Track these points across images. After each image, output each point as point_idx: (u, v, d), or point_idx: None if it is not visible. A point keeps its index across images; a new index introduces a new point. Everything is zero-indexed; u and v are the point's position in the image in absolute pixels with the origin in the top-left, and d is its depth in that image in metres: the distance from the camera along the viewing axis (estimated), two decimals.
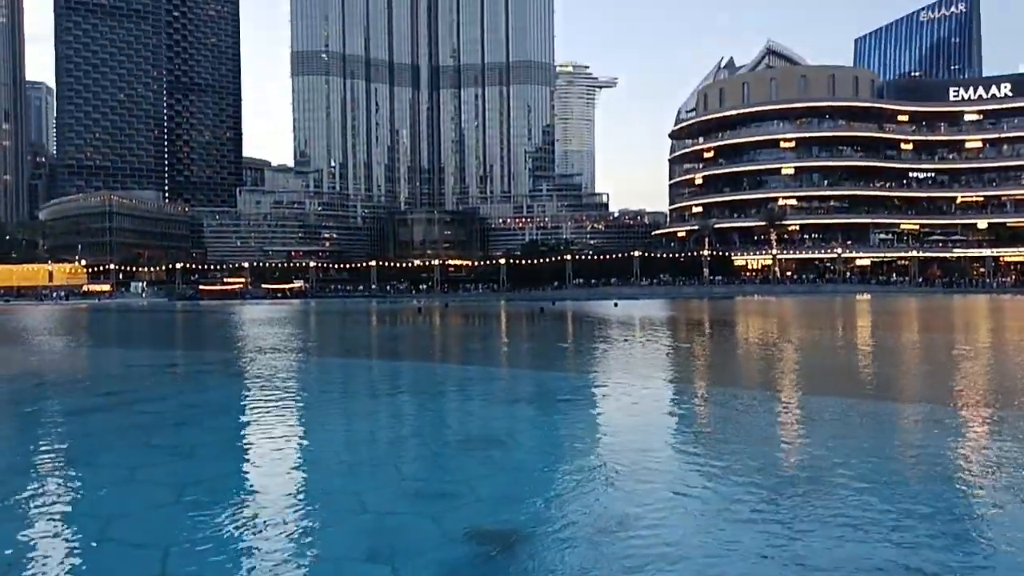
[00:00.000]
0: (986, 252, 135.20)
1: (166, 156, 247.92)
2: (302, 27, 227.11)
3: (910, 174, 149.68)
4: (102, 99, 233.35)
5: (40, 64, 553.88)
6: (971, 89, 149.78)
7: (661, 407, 14.62)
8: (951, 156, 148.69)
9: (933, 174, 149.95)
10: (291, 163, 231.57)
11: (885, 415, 13.49)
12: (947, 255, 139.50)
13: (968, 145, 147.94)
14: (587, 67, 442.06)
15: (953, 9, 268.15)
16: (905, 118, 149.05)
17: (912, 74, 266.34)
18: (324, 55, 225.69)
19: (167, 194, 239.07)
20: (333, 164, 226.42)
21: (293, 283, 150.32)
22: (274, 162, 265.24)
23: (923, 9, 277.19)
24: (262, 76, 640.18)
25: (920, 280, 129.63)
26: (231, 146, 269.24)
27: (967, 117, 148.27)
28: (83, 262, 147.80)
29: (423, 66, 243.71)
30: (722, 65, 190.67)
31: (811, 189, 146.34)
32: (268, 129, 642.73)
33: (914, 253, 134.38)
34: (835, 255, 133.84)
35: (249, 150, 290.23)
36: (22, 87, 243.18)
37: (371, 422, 13.42)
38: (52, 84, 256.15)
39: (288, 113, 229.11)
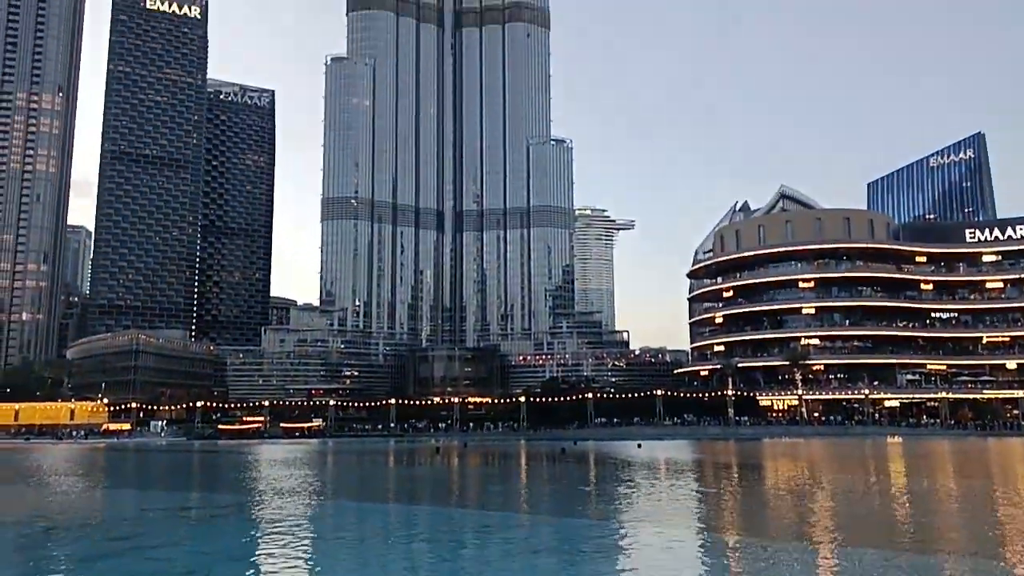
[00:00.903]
0: (1018, 393, 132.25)
1: (196, 296, 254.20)
2: (334, 175, 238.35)
3: (932, 314, 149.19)
4: (138, 242, 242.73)
5: (82, 208, 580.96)
6: (987, 231, 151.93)
7: (690, 560, 13.91)
8: (972, 296, 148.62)
9: (956, 314, 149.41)
10: (317, 302, 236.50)
11: (926, 571, 12.70)
12: (978, 396, 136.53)
13: (989, 285, 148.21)
14: (604, 210, 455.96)
15: (962, 155, 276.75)
16: (923, 259, 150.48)
17: (927, 217, 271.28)
18: (353, 200, 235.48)
19: (194, 333, 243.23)
20: (358, 303, 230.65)
21: (312, 422, 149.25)
22: (300, 301, 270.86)
23: (933, 155, 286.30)
24: (293, 220, 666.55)
25: (952, 422, 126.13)
26: (259, 286, 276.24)
27: (985, 258, 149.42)
28: (106, 400, 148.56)
29: (447, 210, 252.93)
30: (737, 208, 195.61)
31: (833, 328, 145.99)
32: (296, 270, 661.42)
33: (943, 394, 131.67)
34: (862, 396, 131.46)
35: (277, 290, 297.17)
36: (63, 231, 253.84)
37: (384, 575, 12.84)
38: (91, 227, 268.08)
39: (316, 255, 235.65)
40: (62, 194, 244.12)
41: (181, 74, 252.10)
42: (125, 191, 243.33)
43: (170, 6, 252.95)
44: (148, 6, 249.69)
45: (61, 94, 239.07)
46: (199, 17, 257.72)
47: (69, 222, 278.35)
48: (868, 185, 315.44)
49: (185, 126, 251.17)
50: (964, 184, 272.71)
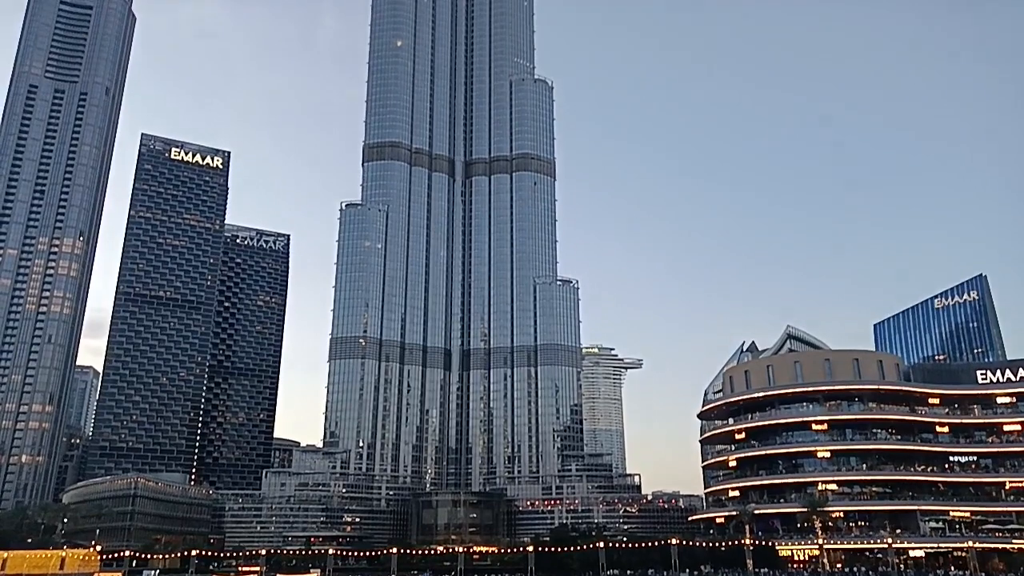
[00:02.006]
0: None
1: (198, 438, 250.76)
2: (343, 315, 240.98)
3: (951, 458, 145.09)
4: (144, 382, 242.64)
5: (92, 348, 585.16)
6: (999, 372, 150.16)
7: None
8: (990, 439, 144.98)
9: (975, 458, 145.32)
10: (320, 444, 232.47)
11: None
12: (1007, 546, 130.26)
13: (1007, 428, 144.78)
14: (612, 349, 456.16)
15: (966, 296, 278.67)
16: (936, 401, 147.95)
17: (936, 358, 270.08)
18: (362, 340, 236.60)
19: (194, 476, 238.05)
20: (361, 445, 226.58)
21: (309, 573, 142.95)
22: (304, 443, 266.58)
23: (937, 296, 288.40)
24: (301, 360, 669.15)
25: (982, 575, 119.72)
26: (263, 427, 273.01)
27: (1000, 400, 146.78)
28: (99, 548, 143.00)
29: (455, 349, 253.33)
30: (744, 348, 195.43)
31: (849, 473, 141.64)
32: (301, 410, 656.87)
33: (970, 543, 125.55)
34: (885, 545, 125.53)
35: (281, 431, 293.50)
36: (71, 372, 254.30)
37: None
38: (100, 368, 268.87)
39: (322, 395, 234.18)
40: (74, 335, 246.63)
41: (200, 219, 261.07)
42: (136, 332, 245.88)
43: (193, 156, 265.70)
44: (173, 156, 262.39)
45: (82, 238, 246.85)
46: (221, 167, 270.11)
47: (79, 362, 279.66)
48: (875, 326, 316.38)
49: (200, 269, 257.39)
50: (971, 325, 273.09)
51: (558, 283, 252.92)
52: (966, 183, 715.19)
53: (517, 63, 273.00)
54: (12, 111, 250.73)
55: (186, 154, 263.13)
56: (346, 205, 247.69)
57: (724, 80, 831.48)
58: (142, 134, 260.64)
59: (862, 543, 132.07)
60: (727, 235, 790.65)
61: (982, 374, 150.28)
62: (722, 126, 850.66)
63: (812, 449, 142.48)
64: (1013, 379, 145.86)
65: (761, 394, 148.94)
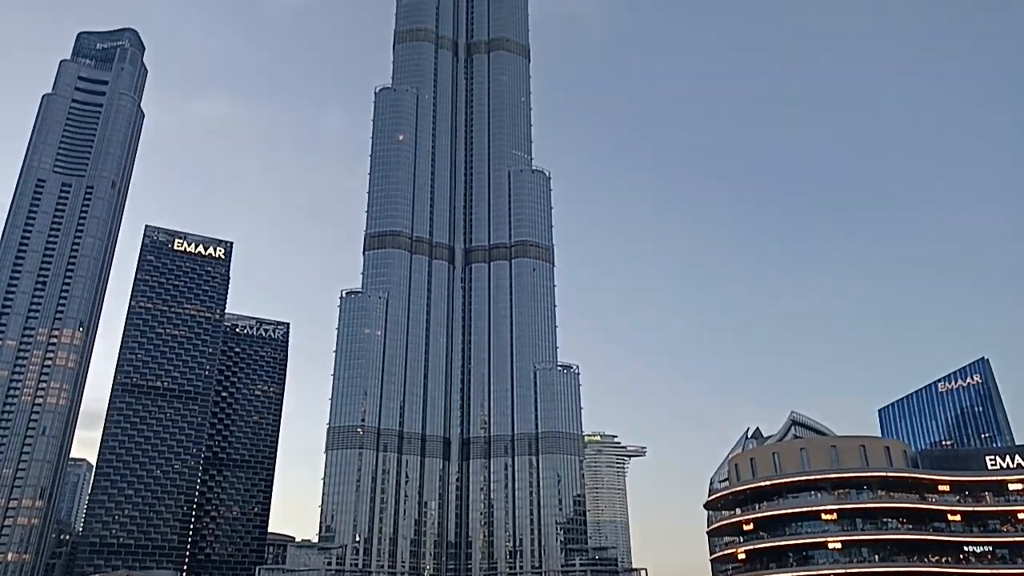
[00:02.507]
0: None
1: (191, 533, 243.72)
2: (341, 404, 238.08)
3: (965, 548, 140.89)
4: (138, 475, 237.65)
5: (86, 440, 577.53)
6: (1008, 458, 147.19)
7: None
8: (1004, 528, 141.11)
9: (990, 547, 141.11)
10: (316, 538, 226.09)
11: None
12: None
13: (1021, 516, 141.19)
14: (615, 436, 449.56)
15: (969, 380, 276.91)
16: (946, 488, 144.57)
17: (943, 443, 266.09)
18: (360, 429, 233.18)
19: (186, 573, 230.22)
20: (358, 539, 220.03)
21: None
22: (299, 536, 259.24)
23: (940, 380, 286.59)
24: (297, 450, 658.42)
25: None
26: (257, 522, 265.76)
27: (1012, 487, 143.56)
28: None
29: (454, 437, 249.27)
30: (749, 435, 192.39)
31: (862, 565, 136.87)
32: (297, 502, 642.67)
33: None
34: None
35: (276, 524, 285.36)
36: (64, 466, 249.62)
37: None
38: (93, 460, 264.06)
39: (318, 487, 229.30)
40: (69, 427, 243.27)
41: (200, 309, 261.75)
42: (132, 423, 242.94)
43: (196, 247, 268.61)
44: (175, 247, 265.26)
45: (81, 329, 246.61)
46: (223, 257, 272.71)
47: (72, 455, 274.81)
48: (879, 411, 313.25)
49: (199, 359, 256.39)
50: (976, 409, 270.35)
51: (559, 369, 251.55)
52: (965, 264, 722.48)
53: (515, 155, 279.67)
54: (19, 205, 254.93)
55: (189, 245, 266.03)
56: (346, 293, 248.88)
57: (711, 168, 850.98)
58: (146, 226, 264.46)
59: None
60: (728, 320, 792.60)
61: (991, 460, 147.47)
62: (715, 215, 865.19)
63: (823, 540, 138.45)
64: (1023, 464, 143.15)
65: (768, 483, 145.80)
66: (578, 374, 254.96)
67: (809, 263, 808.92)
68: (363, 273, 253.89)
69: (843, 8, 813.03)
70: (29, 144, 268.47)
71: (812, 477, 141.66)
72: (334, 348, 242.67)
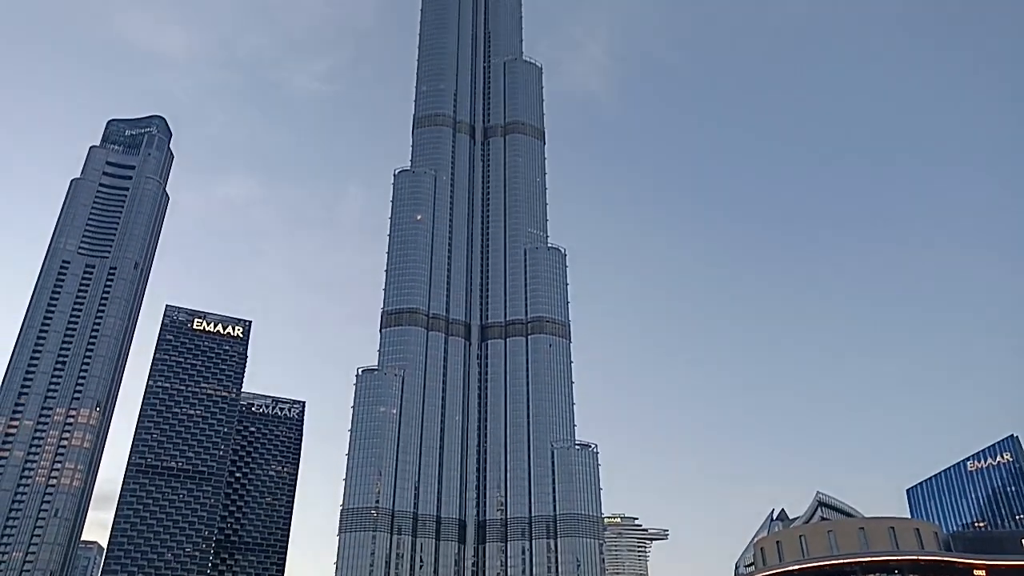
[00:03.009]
0: None
1: None
2: (355, 485, 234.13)
3: None
4: (149, 558, 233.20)
5: (99, 522, 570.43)
6: None
7: None
8: None
9: None
10: None
11: None
12: None
13: None
14: (635, 519, 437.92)
15: (1000, 458, 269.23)
16: (982, 573, 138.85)
17: (975, 524, 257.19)
18: (373, 511, 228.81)
19: None
20: None
21: None
22: None
23: (969, 459, 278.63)
24: (310, 531, 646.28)
25: None
26: None
27: None
28: None
29: (470, 520, 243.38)
30: (774, 517, 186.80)
31: None
32: None
33: None
34: None
35: None
36: (75, 549, 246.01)
37: None
38: (104, 542, 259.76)
39: (330, 570, 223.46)
40: (81, 509, 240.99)
41: (217, 388, 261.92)
42: (145, 504, 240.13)
43: (215, 327, 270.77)
44: (195, 327, 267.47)
45: (99, 409, 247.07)
46: (241, 336, 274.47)
47: (84, 537, 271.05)
48: (907, 491, 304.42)
49: (214, 439, 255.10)
50: (1008, 488, 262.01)
51: (577, 447, 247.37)
52: (992, 340, 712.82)
53: (531, 232, 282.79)
54: (43, 286, 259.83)
55: (208, 324, 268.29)
56: (362, 371, 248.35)
57: (730, 244, 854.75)
58: (166, 306, 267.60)
59: None
60: (750, 399, 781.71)
61: None
62: (735, 292, 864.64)
63: None
64: None
65: (796, 567, 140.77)
66: (597, 453, 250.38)
67: (833, 340, 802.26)
68: (379, 351, 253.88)
69: (853, 64, 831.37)
70: (56, 227, 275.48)
71: (841, 561, 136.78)
72: (349, 427, 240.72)
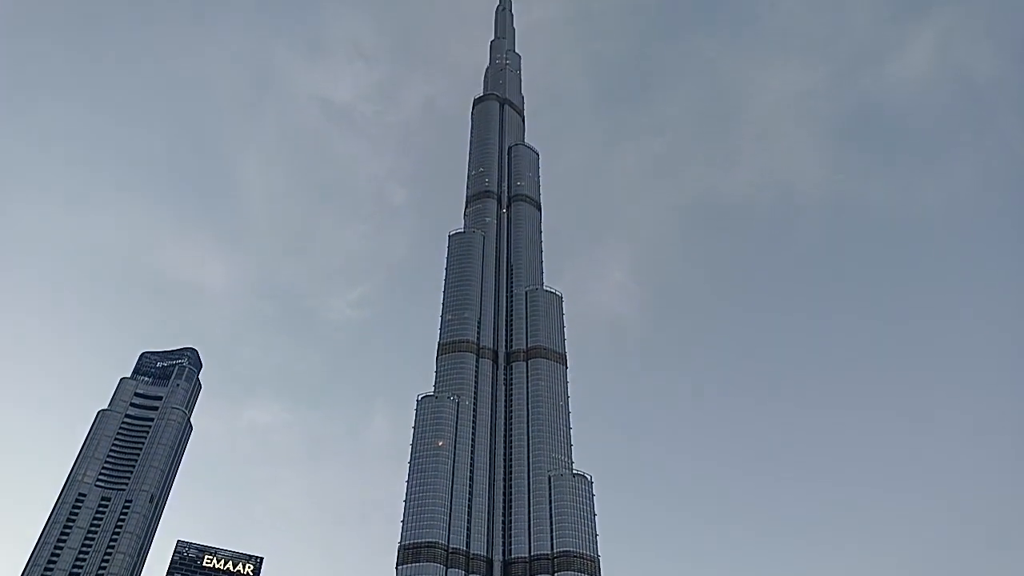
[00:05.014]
0: None
1: None
2: None
3: None
4: None
5: None
6: None
7: None
8: None
9: None
10: None
11: None
12: None
13: None
14: None
15: None
16: None
17: None
18: None
19: None
20: None
21: None
22: None
23: None
24: None
25: None
26: None
27: None
28: None
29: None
30: None
31: None
32: None
33: None
34: None
35: None
36: None
37: None
38: None
39: None
40: None
41: None
42: None
43: (225, 564, 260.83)
44: (204, 564, 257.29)
45: None
46: (252, 573, 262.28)
47: None
48: None
49: None
50: None
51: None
52: None
53: (555, 458, 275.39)
54: (56, 520, 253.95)
55: (219, 561, 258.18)
56: None
57: (760, 469, 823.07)
58: (178, 541, 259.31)
59: None
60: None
61: None
62: (774, 519, 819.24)
63: None
64: None
65: None
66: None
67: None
68: None
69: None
70: (77, 457, 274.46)
71: None
72: None
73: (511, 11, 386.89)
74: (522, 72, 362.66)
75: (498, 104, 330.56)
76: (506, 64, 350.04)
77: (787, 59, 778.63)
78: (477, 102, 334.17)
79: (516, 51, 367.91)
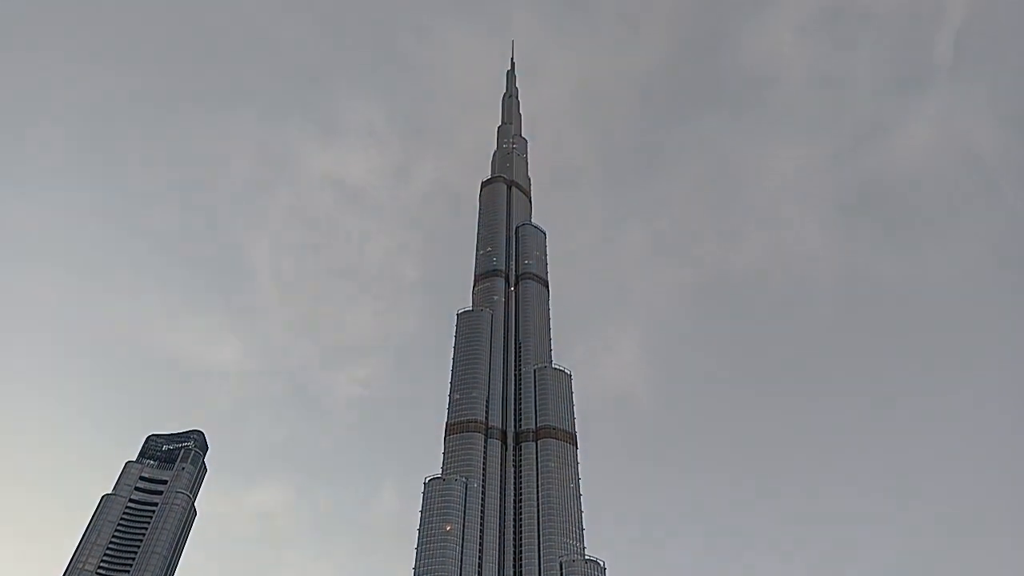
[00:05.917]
0: None
1: None
2: None
3: None
4: None
5: None
6: None
7: None
8: None
9: None
10: None
11: None
12: None
13: None
14: None
15: None
16: None
17: None
18: None
19: None
20: None
21: None
22: None
23: None
24: None
25: None
26: None
27: None
28: None
29: None
30: None
31: None
32: None
33: None
34: None
35: None
36: None
37: None
38: None
39: None
40: None
41: None
42: None
43: None
44: None
45: None
46: None
47: None
48: None
49: None
50: None
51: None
52: None
53: (566, 543, 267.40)
54: None
55: None
56: None
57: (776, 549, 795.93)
58: None
59: None
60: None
61: None
62: None
63: None
64: None
65: None
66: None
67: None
68: None
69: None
70: (79, 544, 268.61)
71: None
72: None
73: (517, 99, 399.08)
74: (528, 153, 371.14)
75: (505, 186, 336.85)
76: (513, 148, 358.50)
77: (791, 136, 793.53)
78: (485, 184, 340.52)
79: (523, 135, 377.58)
